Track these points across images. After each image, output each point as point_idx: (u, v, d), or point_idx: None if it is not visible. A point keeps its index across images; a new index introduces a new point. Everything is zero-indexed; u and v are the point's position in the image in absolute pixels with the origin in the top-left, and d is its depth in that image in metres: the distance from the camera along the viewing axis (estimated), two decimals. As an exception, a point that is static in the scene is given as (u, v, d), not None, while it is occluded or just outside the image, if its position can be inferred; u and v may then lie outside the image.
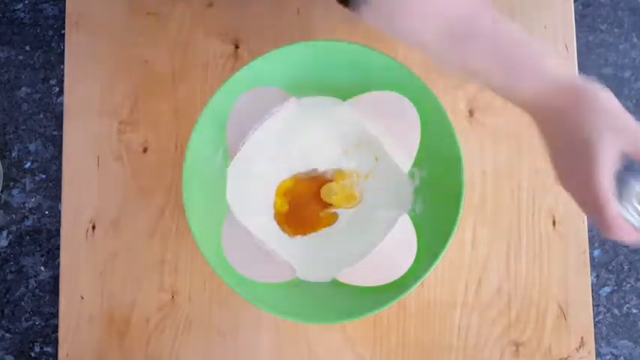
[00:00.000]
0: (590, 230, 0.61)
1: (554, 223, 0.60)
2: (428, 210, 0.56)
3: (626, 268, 0.97)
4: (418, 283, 0.51)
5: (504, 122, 0.61)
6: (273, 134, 0.57)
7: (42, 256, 0.84)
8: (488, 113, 0.61)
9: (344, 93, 0.57)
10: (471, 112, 0.61)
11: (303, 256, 0.57)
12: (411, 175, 0.58)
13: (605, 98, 0.40)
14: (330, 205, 0.58)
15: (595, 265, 0.97)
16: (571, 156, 0.40)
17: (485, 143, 0.61)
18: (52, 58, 0.87)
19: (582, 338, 0.59)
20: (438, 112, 0.53)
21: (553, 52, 0.47)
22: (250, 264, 0.55)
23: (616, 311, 0.97)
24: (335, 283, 0.56)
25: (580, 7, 1.03)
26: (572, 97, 0.41)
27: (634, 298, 1.02)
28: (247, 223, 0.56)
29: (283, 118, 0.57)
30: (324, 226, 0.59)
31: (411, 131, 0.55)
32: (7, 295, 0.84)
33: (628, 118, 0.39)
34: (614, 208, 0.38)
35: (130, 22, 0.63)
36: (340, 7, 0.45)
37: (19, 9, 0.88)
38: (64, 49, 0.65)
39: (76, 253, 0.61)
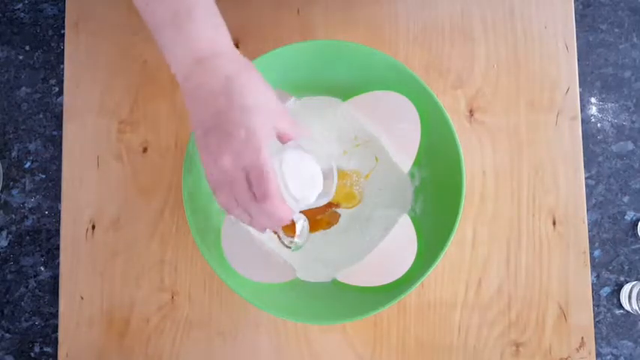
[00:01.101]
0: (590, 230, 0.61)
1: (554, 223, 0.60)
2: (428, 210, 0.56)
3: (626, 268, 0.97)
4: (418, 283, 0.51)
5: (504, 122, 0.61)
6: (273, 134, 0.57)
7: (42, 256, 0.84)
8: (488, 113, 0.61)
9: (344, 93, 0.57)
10: (471, 112, 0.61)
11: (303, 257, 0.57)
12: (411, 175, 0.57)
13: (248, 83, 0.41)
14: (331, 205, 0.58)
15: (595, 265, 0.97)
16: (221, 133, 0.40)
17: (485, 143, 0.61)
18: (52, 58, 0.87)
19: (582, 338, 0.59)
20: (438, 112, 0.53)
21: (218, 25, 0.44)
22: (250, 264, 0.55)
23: (616, 311, 0.97)
24: (335, 283, 0.56)
25: (580, 7, 1.03)
26: (219, 74, 0.41)
27: (634, 298, 1.02)
28: (247, 223, 0.56)
29: (283, 118, 0.57)
30: (325, 227, 0.58)
31: (411, 131, 0.55)
32: (7, 295, 0.84)
33: (272, 101, 0.42)
34: (275, 181, 0.40)
35: (130, 22, 0.63)
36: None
37: (18, 9, 0.88)
38: (63, 49, 0.65)
39: (75, 253, 0.61)
